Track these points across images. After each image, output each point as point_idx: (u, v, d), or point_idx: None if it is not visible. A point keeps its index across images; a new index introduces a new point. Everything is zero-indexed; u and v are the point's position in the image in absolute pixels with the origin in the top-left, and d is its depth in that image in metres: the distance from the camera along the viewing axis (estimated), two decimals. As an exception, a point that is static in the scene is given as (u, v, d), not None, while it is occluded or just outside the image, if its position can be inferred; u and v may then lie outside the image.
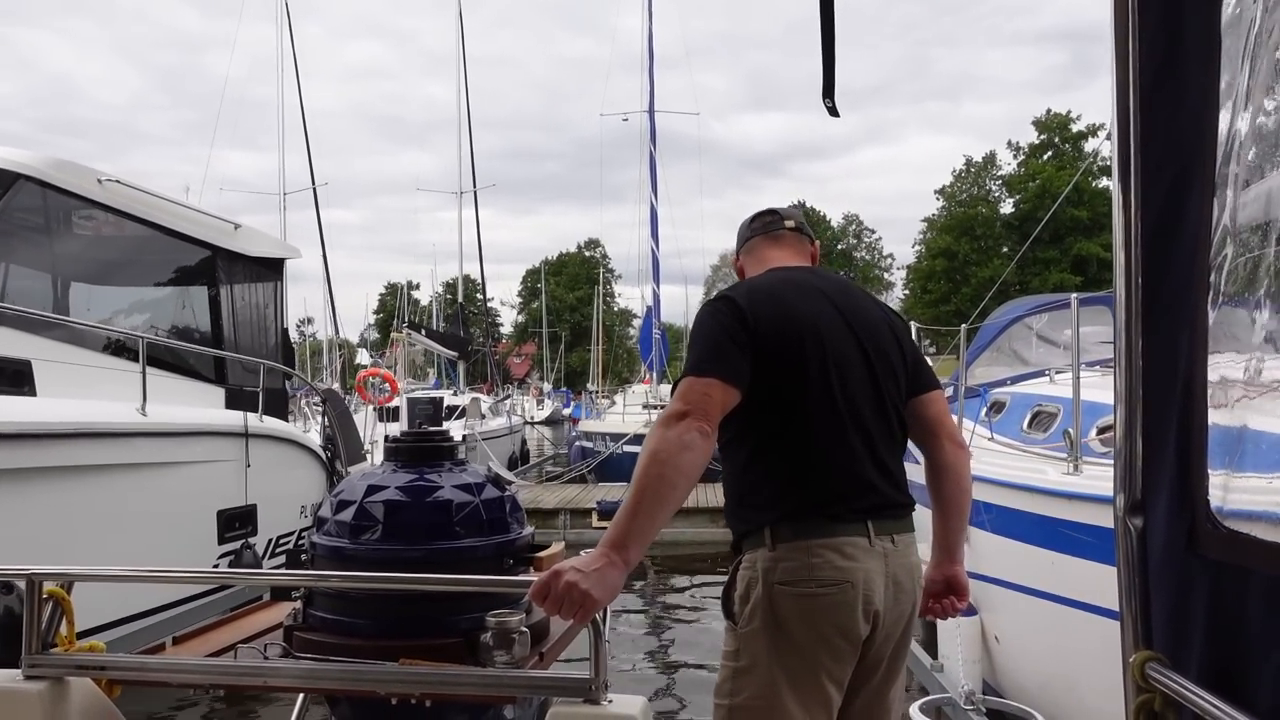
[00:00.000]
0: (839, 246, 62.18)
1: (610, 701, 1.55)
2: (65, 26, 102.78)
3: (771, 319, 1.84)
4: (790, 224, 2.10)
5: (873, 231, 64.00)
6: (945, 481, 2.02)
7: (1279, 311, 1.37)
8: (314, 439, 8.08)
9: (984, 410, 6.12)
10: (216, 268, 7.64)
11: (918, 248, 51.97)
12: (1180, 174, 1.21)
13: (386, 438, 2.24)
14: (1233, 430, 1.32)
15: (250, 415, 6.80)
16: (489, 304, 78.25)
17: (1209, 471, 1.17)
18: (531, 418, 46.76)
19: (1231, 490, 1.22)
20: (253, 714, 5.58)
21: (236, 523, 6.39)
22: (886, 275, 63.58)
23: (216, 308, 7.65)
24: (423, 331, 21.97)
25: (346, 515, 1.93)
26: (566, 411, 41.07)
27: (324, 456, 7.81)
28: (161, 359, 6.77)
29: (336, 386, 17.74)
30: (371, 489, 1.95)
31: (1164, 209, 1.25)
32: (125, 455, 5.50)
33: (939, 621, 3.85)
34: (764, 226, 2.12)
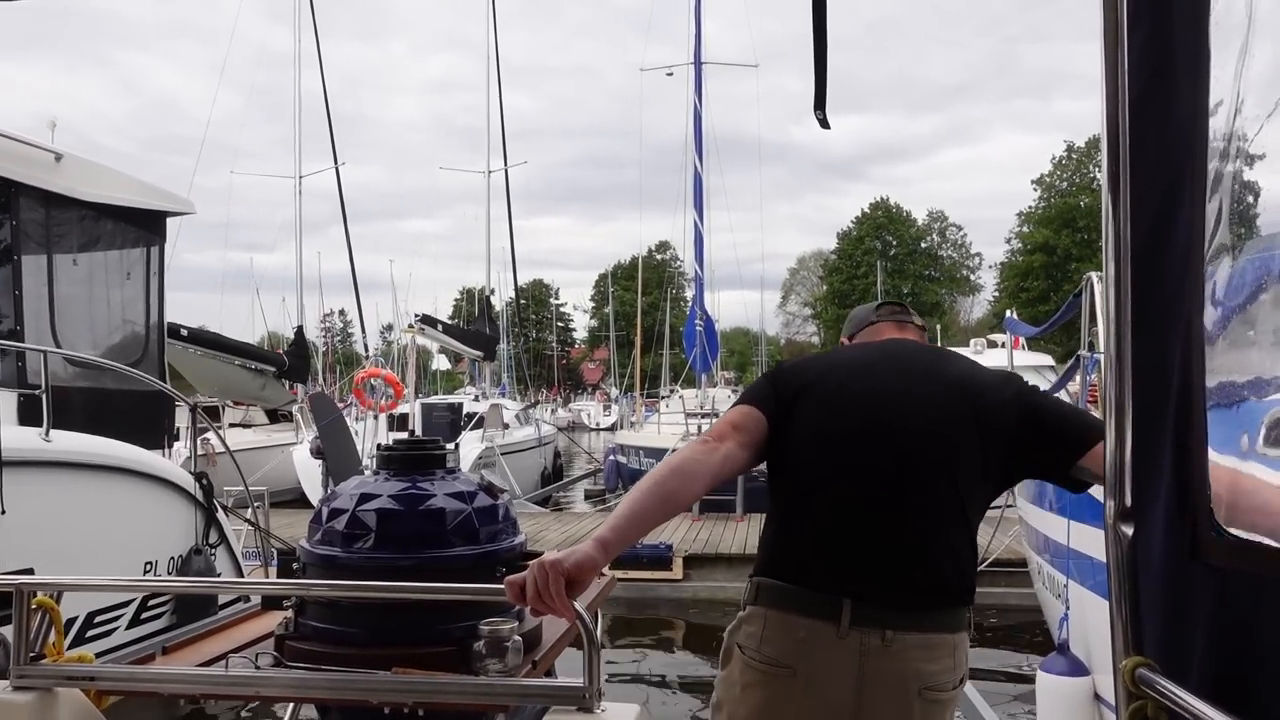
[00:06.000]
0: (923, 244, 62.95)
1: (604, 710, 1.77)
2: (169, 49, 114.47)
3: (802, 377, 1.98)
4: (915, 321, 2.27)
5: (959, 228, 64.79)
6: None
7: (1276, 318, 1.63)
8: (175, 467, 6.14)
9: (1256, 434, 4.44)
10: (18, 213, 5.82)
11: (1012, 242, 52.58)
12: (1172, 182, 1.38)
13: (380, 446, 2.57)
14: (1233, 436, 1.58)
15: (24, 433, 4.91)
16: (562, 308, 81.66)
17: (1210, 478, 1.35)
18: (598, 424, 48.94)
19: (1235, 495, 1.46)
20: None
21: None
22: (974, 277, 64.23)
23: (15, 274, 5.82)
24: (439, 327, 21.02)
25: (339, 523, 2.17)
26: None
27: (195, 489, 5.95)
28: None
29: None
30: (364, 497, 2.19)
31: (1156, 217, 1.48)
32: None
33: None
34: (889, 315, 2.27)
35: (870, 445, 1.88)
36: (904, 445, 1.88)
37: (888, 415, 1.90)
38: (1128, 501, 1.53)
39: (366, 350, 31.53)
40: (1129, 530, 1.53)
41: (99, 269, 6.72)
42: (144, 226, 6.98)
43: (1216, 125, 1.38)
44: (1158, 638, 1.43)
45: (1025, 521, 7.10)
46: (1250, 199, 1.46)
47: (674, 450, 1.93)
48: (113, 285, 6.82)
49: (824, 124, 1.80)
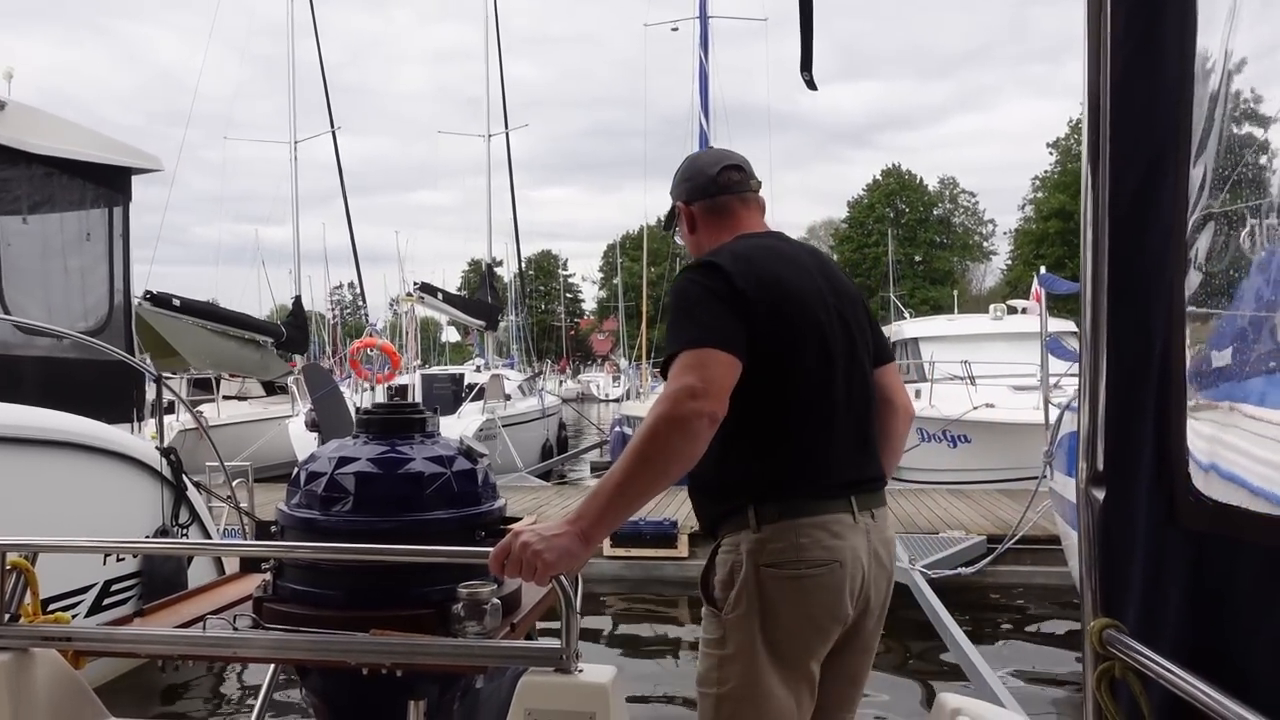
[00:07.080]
0: (935, 211, 62.98)
1: (581, 671, 1.83)
2: (171, 20, 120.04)
3: (761, 288, 2.05)
4: (754, 184, 2.34)
5: (971, 195, 64.83)
6: (885, 450, 2.30)
7: (1259, 290, 1.64)
8: (140, 442, 5.74)
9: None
10: None
11: (1026, 208, 52.61)
12: (1158, 148, 1.40)
13: (359, 410, 2.60)
14: (1214, 406, 1.60)
15: None
16: (570, 279, 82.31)
17: (1189, 446, 1.38)
18: (607, 395, 49.81)
19: (1216, 462, 1.48)
20: (223, 687, 5.88)
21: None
22: (986, 244, 64.30)
23: None
24: (439, 295, 20.76)
25: (317, 486, 2.20)
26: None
27: (162, 465, 5.57)
28: None
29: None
30: (342, 460, 2.22)
31: (1140, 184, 1.45)
32: None
33: None
34: (734, 186, 2.31)
35: (838, 360, 2.15)
36: (854, 353, 2.20)
37: (839, 328, 2.17)
38: (1099, 466, 1.57)
39: (367, 320, 31.69)
40: (1099, 494, 1.56)
41: (54, 229, 6.23)
42: (105, 184, 6.45)
43: (1202, 91, 1.40)
44: (1134, 601, 1.46)
45: (1058, 495, 6.97)
46: (1237, 164, 1.47)
47: (673, 412, 1.88)
48: (70, 247, 6.32)
49: (810, 85, 1.83)
